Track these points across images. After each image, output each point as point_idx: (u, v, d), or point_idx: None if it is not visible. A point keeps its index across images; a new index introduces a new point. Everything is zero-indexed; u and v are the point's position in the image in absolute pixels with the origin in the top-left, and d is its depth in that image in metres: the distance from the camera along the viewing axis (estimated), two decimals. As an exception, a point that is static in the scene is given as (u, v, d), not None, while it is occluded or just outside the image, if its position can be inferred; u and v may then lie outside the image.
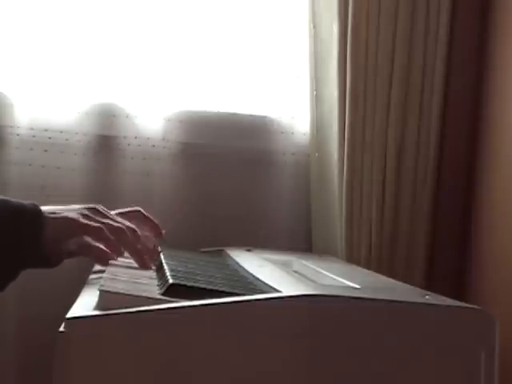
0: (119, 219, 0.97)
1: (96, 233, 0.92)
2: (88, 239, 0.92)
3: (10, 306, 1.49)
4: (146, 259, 0.99)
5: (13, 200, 0.91)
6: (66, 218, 0.91)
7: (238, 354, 0.75)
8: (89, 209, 0.95)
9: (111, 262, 0.94)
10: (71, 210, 0.93)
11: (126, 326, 0.74)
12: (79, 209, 0.94)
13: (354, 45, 1.47)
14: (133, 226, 0.98)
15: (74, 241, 0.92)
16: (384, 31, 1.48)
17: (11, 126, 1.52)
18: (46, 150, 1.53)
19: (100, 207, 0.96)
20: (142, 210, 1.15)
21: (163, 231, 1.17)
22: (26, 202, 0.91)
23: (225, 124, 1.59)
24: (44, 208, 0.91)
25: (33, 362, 1.49)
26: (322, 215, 1.56)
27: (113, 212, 1.03)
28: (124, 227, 0.95)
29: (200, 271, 0.99)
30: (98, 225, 0.92)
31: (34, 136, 1.53)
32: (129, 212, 1.11)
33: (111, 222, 0.94)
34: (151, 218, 1.15)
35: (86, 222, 0.91)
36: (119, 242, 0.94)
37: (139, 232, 0.99)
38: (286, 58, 1.61)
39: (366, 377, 0.77)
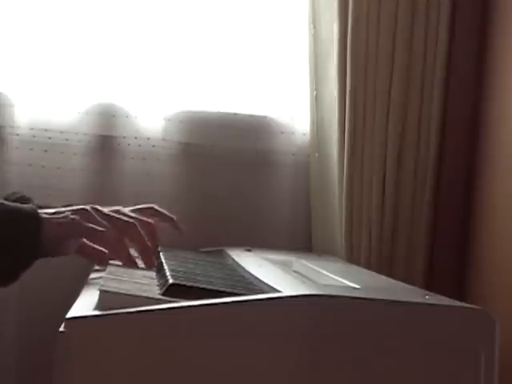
0: (118, 216, 0.95)
1: (93, 234, 0.91)
2: (86, 241, 0.92)
3: (9, 306, 1.49)
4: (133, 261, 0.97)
5: (10, 203, 0.91)
6: (64, 220, 0.90)
7: (237, 353, 0.75)
8: (84, 209, 0.94)
9: (111, 262, 0.94)
10: (68, 211, 0.92)
11: (125, 326, 0.74)
12: (76, 210, 0.93)
13: (354, 45, 1.47)
14: (133, 220, 0.94)
15: (72, 243, 0.92)
16: (384, 31, 1.47)
17: (11, 126, 1.52)
18: (45, 150, 1.53)
19: (97, 207, 0.95)
20: (156, 206, 1.11)
21: (181, 226, 1.13)
22: (24, 205, 0.91)
23: (225, 124, 1.59)
24: (43, 211, 0.91)
25: (33, 362, 1.49)
26: (322, 215, 1.56)
27: (127, 209, 1.02)
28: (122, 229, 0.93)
29: (200, 271, 0.99)
30: (94, 226, 0.91)
31: (34, 136, 1.53)
32: (143, 209, 1.08)
33: (108, 224, 0.93)
34: (166, 212, 1.12)
35: (83, 223, 0.90)
36: (115, 244, 0.93)
37: (139, 227, 0.96)
38: (286, 58, 1.61)
39: (366, 377, 0.77)
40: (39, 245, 0.87)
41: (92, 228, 0.89)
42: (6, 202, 0.91)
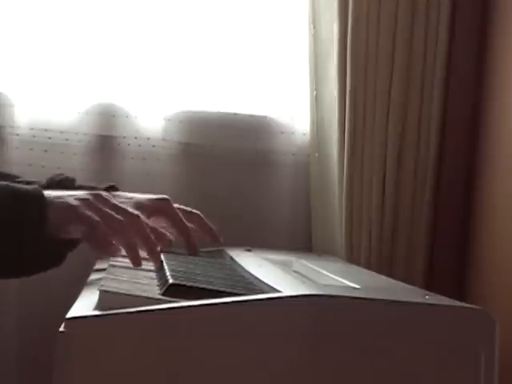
0: (122, 207, 0.93)
1: (93, 225, 0.89)
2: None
3: (10, 306, 1.49)
4: (137, 256, 0.95)
5: (15, 185, 0.90)
6: (67, 204, 0.89)
7: (237, 354, 0.75)
8: (93, 195, 0.92)
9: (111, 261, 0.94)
10: (74, 195, 0.91)
11: (126, 326, 0.74)
12: (82, 194, 0.92)
13: (354, 45, 1.47)
14: (137, 212, 0.93)
15: (73, 230, 0.90)
16: (384, 31, 1.48)
17: (11, 126, 1.52)
18: (45, 150, 1.53)
19: (104, 194, 0.94)
20: (201, 215, 1.13)
21: (220, 237, 1.14)
22: (29, 187, 0.90)
23: (225, 124, 1.59)
24: (47, 192, 0.90)
25: (33, 362, 1.49)
26: (322, 215, 1.56)
27: (176, 205, 1.01)
28: (124, 221, 0.91)
29: (200, 271, 0.99)
30: (97, 219, 0.89)
31: (34, 136, 1.53)
32: (189, 212, 1.11)
33: (112, 213, 0.91)
34: (208, 222, 1.13)
35: (78, 210, 0.88)
36: (114, 235, 0.91)
37: (143, 218, 0.94)
38: (286, 58, 1.61)
39: (366, 377, 0.77)
40: (41, 227, 0.86)
41: (84, 217, 0.87)
42: (12, 184, 0.90)
